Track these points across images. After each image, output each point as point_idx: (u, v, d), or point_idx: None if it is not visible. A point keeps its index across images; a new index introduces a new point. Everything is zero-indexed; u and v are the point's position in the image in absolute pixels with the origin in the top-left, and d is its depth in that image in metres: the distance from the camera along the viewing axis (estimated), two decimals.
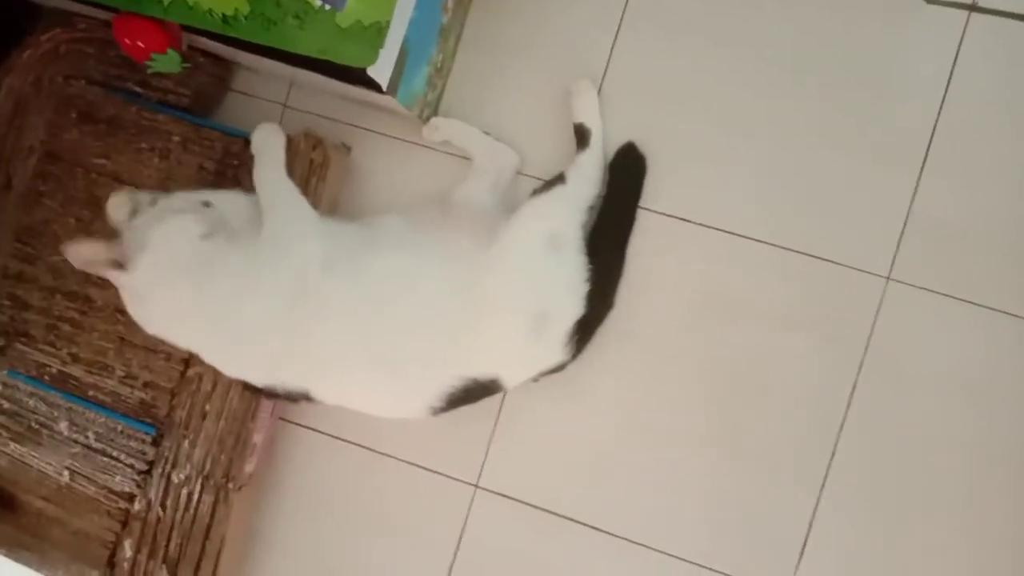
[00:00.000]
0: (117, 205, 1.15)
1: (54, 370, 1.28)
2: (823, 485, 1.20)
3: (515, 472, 1.28)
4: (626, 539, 1.24)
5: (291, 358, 1.13)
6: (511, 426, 1.28)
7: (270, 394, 1.16)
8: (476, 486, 1.29)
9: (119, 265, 1.12)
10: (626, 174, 1.26)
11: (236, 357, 1.15)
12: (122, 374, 1.27)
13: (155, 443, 1.26)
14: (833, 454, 1.20)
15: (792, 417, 1.21)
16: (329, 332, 1.12)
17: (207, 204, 1.16)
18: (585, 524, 1.25)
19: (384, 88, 1.10)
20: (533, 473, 1.28)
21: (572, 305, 1.17)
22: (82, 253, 1.13)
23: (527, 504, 1.27)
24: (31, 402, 1.28)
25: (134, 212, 1.15)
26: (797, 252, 1.22)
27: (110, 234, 1.16)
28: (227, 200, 1.19)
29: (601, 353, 1.23)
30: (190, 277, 1.10)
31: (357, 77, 1.11)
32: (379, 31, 1.06)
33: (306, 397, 1.15)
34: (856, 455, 1.19)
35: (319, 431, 1.32)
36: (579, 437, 1.27)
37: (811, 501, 1.20)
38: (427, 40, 1.19)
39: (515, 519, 1.27)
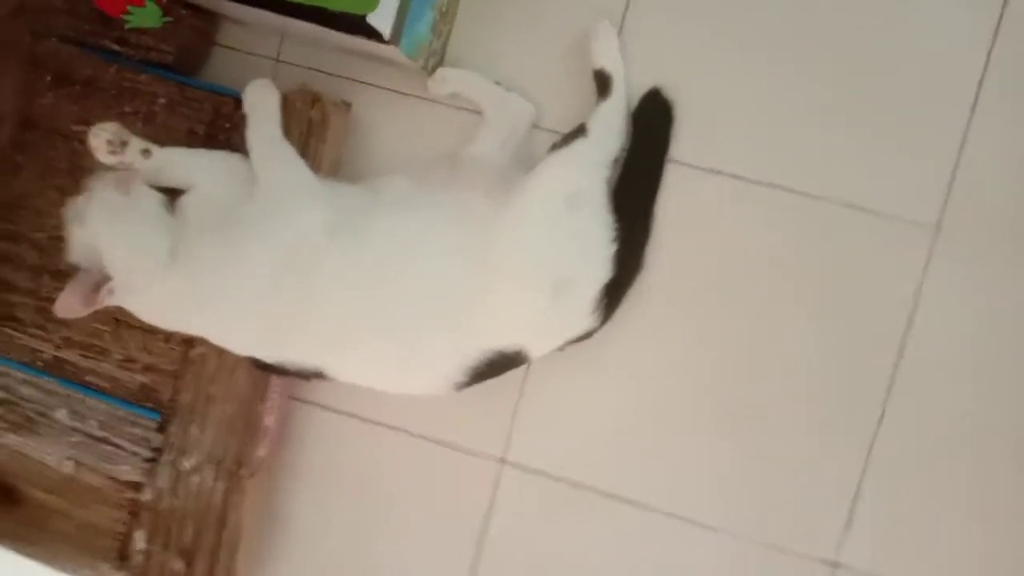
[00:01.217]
0: (98, 136, 1.08)
1: (47, 356, 1.21)
2: (870, 451, 1.13)
3: (543, 445, 1.21)
4: (663, 511, 1.18)
5: (298, 333, 1.05)
6: (537, 396, 1.21)
7: (282, 371, 1.09)
8: (503, 460, 1.22)
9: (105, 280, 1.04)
10: (652, 123, 1.16)
11: (240, 334, 1.07)
12: (120, 357, 1.19)
13: (160, 429, 1.18)
14: (881, 419, 1.13)
15: (836, 379, 1.14)
16: (337, 304, 1.04)
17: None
18: (620, 497, 1.19)
19: (386, 37, 1.00)
20: (562, 445, 1.21)
21: (598, 268, 1.09)
22: (73, 302, 1.04)
23: (556, 478, 1.21)
24: (25, 390, 1.20)
25: (120, 147, 1.08)
26: (839, 204, 1.13)
27: None
28: (209, 158, 1.12)
29: (630, 316, 1.15)
30: (167, 263, 1.03)
31: (356, 26, 1.00)
32: None
33: (319, 375, 1.08)
34: (905, 418, 1.12)
35: (334, 410, 1.25)
36: (609, 405, 1.19)
37: (857, 468, 1.13)
38: None
39: (544, 493, 1.21)
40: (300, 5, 0.98)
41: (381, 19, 0.98)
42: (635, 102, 1.16)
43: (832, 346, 1.14)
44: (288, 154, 1.08)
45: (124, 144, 1.09)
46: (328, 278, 1.03)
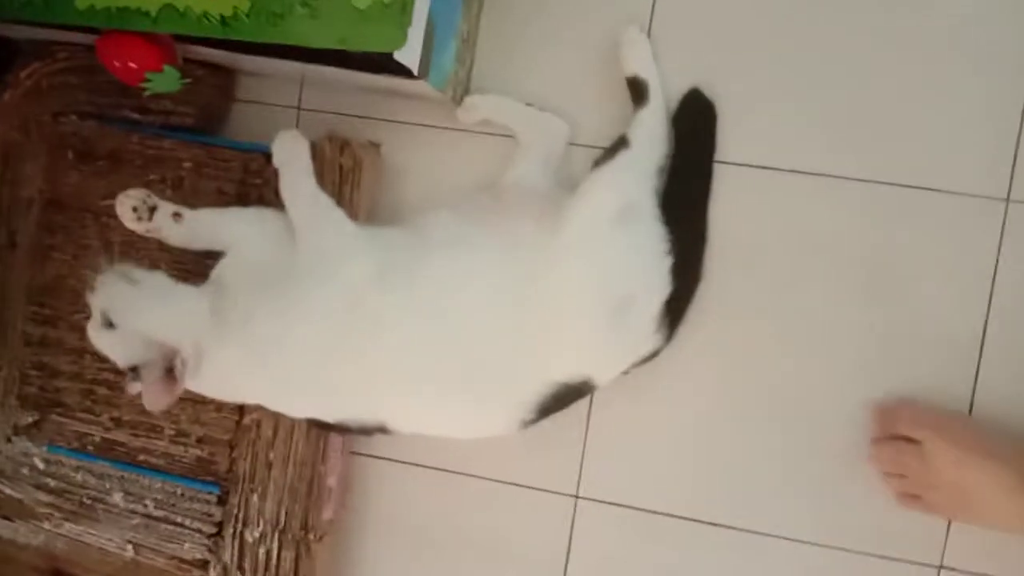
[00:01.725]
0: (127, 201, 1.06)
1: (97, 438, 1.17)
2: None
3: (615, 475, 1.15)
4: (746, 530, 1.11)
5: (356, 387, 1.00)
6: (604, 426, 1.15)
7: (343, 430, 1.04)
8: (576, 496, 1.16)
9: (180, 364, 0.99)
10: (695, 125, 1.11)
11: (297, 396, 1.02)
12: (172, 432, 1.15)
13: (221, 502, 1.14)
14: (971, 403, 1.06)
15: (920, 374, 1.07)
16: (392, 353, 0.99)
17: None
18: (701, 521, 1.12)
19: (415, 72, 0.96)
20: (635, 473, 1.15)
21: (658, 284, 1.04)
22: (157, 393, 0.99)
23: (634, 508, 1.14)
24: (78, 476, 1.17)
25: (148, 213, 1.06)
26: (903, 186, 1.07)
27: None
28: (244, 218, 1.08)
29: (690, 331, 1.10)
30: (224, 336, 0.99)
31: (382, 64, 0.96)
32: (403, 7, 0.91)
33: (382, 429, 1.03)
34: (1000, 406, 1.05)
35: (396, 460, 1.20)
36: (678, 427, 1.13)
37: None
38: (452, 8, 1.04)
39: (623, 525, 1.15)
40: (323, 51, 0.94)
41: (408, 55, 0.94)
42: (672, 106, 1.11)
43: (909, 341, 1.07)
44: (327, 206, 1.04)
45: (152, 209, 1.06)
46: (382, 328, 0.98)
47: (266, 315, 0.98)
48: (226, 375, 1.02)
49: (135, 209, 1.05)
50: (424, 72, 0.98)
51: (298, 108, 1.23)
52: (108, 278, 1.01)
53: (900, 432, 1.02)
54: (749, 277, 1.11)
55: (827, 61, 1.09)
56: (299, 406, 1.03)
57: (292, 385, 1.01)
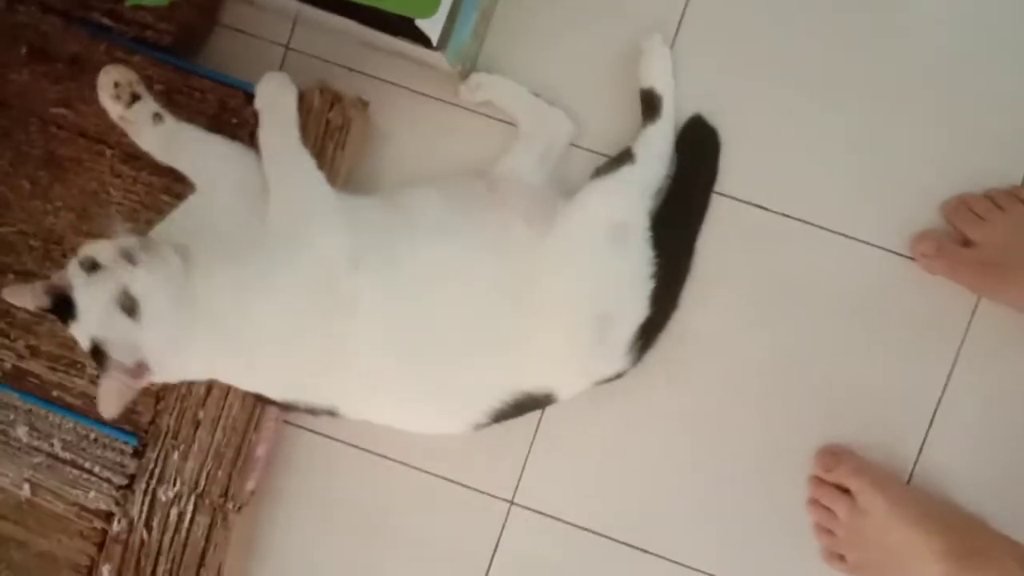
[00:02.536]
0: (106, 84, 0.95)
1: (8, 365, 1.06)
2: None
3: (554, 487, 1.13)
4: (674, 561, 1.11)
5: (316, 371, 0.94)
6: (552, 437, 1.12)
7: (287, 407, 0.98)
8: (511, 502, 1.13)
9: (141, 368, 0.89)
10: (697, 152, 1.08)
11: (246, 371, 0.95)
12: (94, 373, 1.05)
13: (137, 454, 1.06)
14: (915, 464, 1.08)
15: (868, 438, 1.08)
16: (360, 340, 0.93)
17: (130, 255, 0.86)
18: (631, 545, 1.11)
19: (434, 43, 0.88)
20: (574, 489, 1.12)
21: (637, 306, 1.01)
22: (113, 399, 0.87)
23: (568, 523, 1.12)
24: None
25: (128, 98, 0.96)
26: (887, 250, 1.07)
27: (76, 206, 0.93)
28: (224, 154, 0.98)
29: (653, 356, 1.07)
30: (190, 318, 0.89)
31: (398, 27, 0.89)
32: None
33: (331, 412, 0.97)
34: (942, 475, 1.08)
35: (329, 436, 1.14)
36: (627, 449, 1.11)
37: None
38: None
39: (554, 537, 1.12)
40: (349, 5, 0.85)
41: (431, 23, 0.87)
42: (678, 126, 1.07)
43: (870, 395, 1.08)
44: (306, 165, 0.96)
45: (135, 97, 0.96)
46: (351, 311, 0.92)
47: (228, 285, 0.90)
48: (193, 352, 0.92)
49: (116, 85, 0.95)
50: (443, 44, 0.91)
51: (286, 47, 1.13)
52: (153, 260, 0.86)
53: (839, 479, 1.03)
54: (721, 312, 1.10)
55: (852, 111, 1.08)
56: (246, 380, 0.96)
57: (242, 359, 0.93)
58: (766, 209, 1.09)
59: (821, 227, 1.08)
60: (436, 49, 0.89)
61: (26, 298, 0.88)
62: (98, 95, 0.96)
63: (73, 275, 0.86)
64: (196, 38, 1.09)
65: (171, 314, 0.87)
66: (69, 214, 1.04)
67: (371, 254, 0.93)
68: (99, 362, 0.87)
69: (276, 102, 0.98)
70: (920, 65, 1.07)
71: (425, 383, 0.95)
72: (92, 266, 0.85)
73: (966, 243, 1.04)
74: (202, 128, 0.99)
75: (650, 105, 1.06)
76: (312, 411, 0.97)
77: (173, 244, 0.88)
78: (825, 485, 1.04)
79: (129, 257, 0.84)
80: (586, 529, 1.12)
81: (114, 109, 0.97)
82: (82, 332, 0.87)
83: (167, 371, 0.91)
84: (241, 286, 0.90)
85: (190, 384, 1.05)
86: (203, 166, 0.96)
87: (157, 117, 0.96)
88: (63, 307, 0.86)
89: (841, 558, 1.04)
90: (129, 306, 0.85)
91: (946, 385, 1.08)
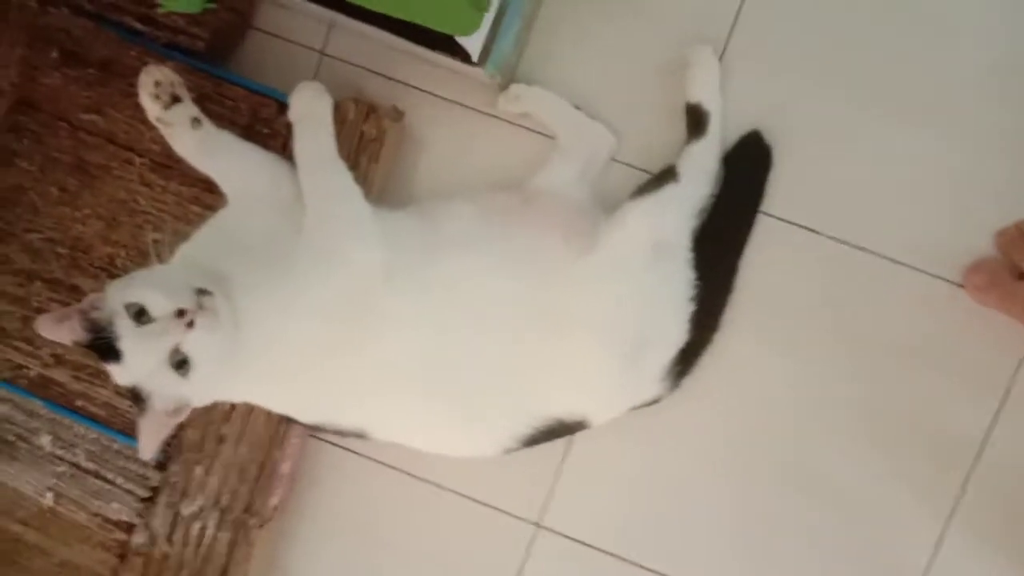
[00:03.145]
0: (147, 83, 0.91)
1: (33, 373, 1.05)
2: (936, 550, 1.04)
3: (582, 512, 1.10)
4: None
5: (344, 392, 0.91)
6: (582, 461, 1.09)
7: (315, 429, 0.95)
8: (538, 525, 1.10)
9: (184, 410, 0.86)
10: (748, 172, 1.03)
11: (283, 395, 0.92)
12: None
13: (160, 467, 1.04)
14: (952, 513, 1.04)
15: (909, 470, 1.04)
16: (390, 360, 0.90)
17: (203, 292, 0.82)
18: (659, 572, 1.08)
19: (474, 59, 0.85)
20: (602, 514, 1.10)
21: (676, 331, 0.98)
22: (151, 439, 0.85)
23: (593, 547, 1.09)
24: (5, 409, 1.05)
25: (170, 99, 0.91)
26: (945, 280, 1.03)
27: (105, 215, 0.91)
28: (261, 164, 0.95)
29: (690, 381, 1.03)
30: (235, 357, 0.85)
31: (437, 41, 0.85)
32: None
33: (359, 435, 0.95)
34: (975, 513, 1.03)
35: (356, 452, 1.12)
36: (657, 476, 1.08)
37: (921, 565, 1.04)
38: None
39: (580, 563, 1.10)
40: (387, 17, 0.82)
41: (472, 39, 0.83)
42: (728, 142, 1.03)
43: (907, 431, 1.04)
44: (343, 179, 0.93)
45: (175, 100, 0.92)
46: (383, 331, 0.89)
47: (266, 308, 0.86)
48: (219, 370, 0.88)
49: (157, 84, 0.92)
50: (484, 59, 0.87)
51: (321, 53, 1.10)
52: (210, 322, 0.81)
53: None
54: (762, 337, 1.06)
55: (904, 137, 1.03)
56: (279, 402, 0.94)
57: (279, 382, 0.90)
58: (813, 231, 1.05)
59: (871, 251, 1.04)
60: (476, 65, 0.86)
61: (62, 332, 0.84)
62: (138, 93, 0.93)
63: (117, 316, 0.81)
64: (229, 43, 1.07)
65: (220, 363, 0.84)
66: (98, 222, 1.02)
67: (405, 271, 0.90)
68: (138, 404, 0.84)
69: (311, 113, 0.95)
70: (981, 90, 1.02)
71: (456, 407, 0.92)
72: (140, 313, 0.81)
73: (1022, 276, 0.99)
74: (239, 137, 0.96)
75: (696, 121, 1.01)
76: (340, 433, 0.94)
77: (210, 272, 0.85)
78: None
79: (185, 318, 0.80)
80: (613, 555, 1.09)
81: (152, 109, 0.93)
82: (125, 377, 0.83)
83: (206, 401, 0.88)
84: (279, 308, 0.86)
85: None
86: (238, 175, 0.94)
87: (196, 121, 0.93)
88: (102, 346, 0.82)
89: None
90: (180, 363, 0.81)
91: (993, 422, 1.03)
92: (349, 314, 0.88)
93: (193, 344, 0.80)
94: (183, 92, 0.93)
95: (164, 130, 0.95)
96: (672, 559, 1.08)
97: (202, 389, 0.84)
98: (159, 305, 0.80)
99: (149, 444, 0.84)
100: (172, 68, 0.95)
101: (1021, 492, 1.03)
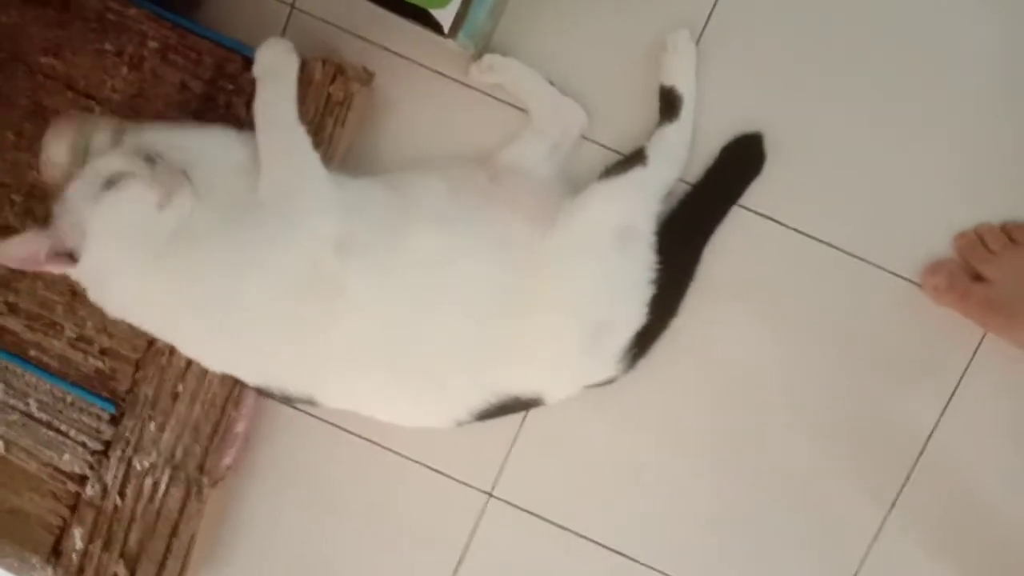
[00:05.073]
0: (57, 145, 0.87)
1: None
2: (875, 539, 1.07)
3: (534, 483, 1.12)
4: (648, 566, 1.11)
5: (295, 359, 0.91)
6: (536, 433, 1.10)
7: (261, 392, 0.95)
8: (490, 494, 1.12)
9: (70, 256, 0.85)
10: (734, 169, 1.03)
11: (223, 354, 0.92)
12: (73, 336, 1.02)
13: (114, 421, 1.04)
14: (892, 506, 1.07)
15: (854, 463, 1.07)
16: (345, 331, 0.90)
17: (152, 160, 0.85)
18: (607, 547, 1.11)
19: (445, 31, 0.83)
20: (554, 487, 1.11)
21: (635, 313, 0.98)
22: (16, 252, 0.85)
23: (544, 519, 1.12)
24: None
25: (83, 154, 0.87)
26: (903, 278, 1.04)
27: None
28: (200, 142, 0.91)
29: (646, 362, 1.04)
30: (153, 259, 0.85)
31: (407, 9, 0.83)
32: None
33: (309, 401, 0.95)
34: (918, 506, 1.07)
35: (310, 414, 1.12)
36: (610, 452, 1.10)
37: (859, 553, 1.08)
38: None
39: (529, 533, 1.12)
40: None
41: (444, 10, 0.81)
42: (708, 130, 1.02)
43: (865, 420, 1.06)
44: (301, 143, 0.91)
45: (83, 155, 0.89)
46: (340, 299, 0.88)
47: (207, 257, 0.86)
48: (150, 301, 0.90)
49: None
50: (455, 31, 0.85)
51: (292, 6, 1.07)
52: (169, 176, 0.85)
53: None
54: (722, 323, 1.07)
55: (873, 136, 1.03)
56: (220, 362, 0.93)
57: (220, 340, 0.90)
58: (778, 223, 1.05)
59: (833, 246, 1.04)
60: (447, 36, 0.84)
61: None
62: (47, 166, 0.90)
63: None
64: None
65: (139, 229, 0.85)
66: None
67: (362, 240, 0.89)
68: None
69: (276, 71, 0.93)
70: (951, 93, 1.02)
71: (409, 378, 0.92)
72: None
73: (977, 278, 1.00)
74: (175, 102, 0.94)
75: (669, 104, 1.01)
76: (287, 399, 0.95)
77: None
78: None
79: (150, 160, 0.83)
80: (563, 527, 1.11)
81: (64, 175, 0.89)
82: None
83: (99, 288, 0.89)
84: (224, 260, 0.86)
85: (170, 356, 1.02)
86: (184, 154, 0.89)
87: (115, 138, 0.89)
88: None
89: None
90: (108, 184, 0.83)
91: (939, 418, 1.06)
92: (297, 277, 0.87)
93: (137, 182, 0.83)
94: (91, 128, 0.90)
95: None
96: (618, 534, 1.11)
97: (104, 253, 0.85)
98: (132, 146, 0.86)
99: (13, 249, 0.85)
100: (133, 16, 0.92)
101: (961, 487, 1.06)
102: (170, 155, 0.86)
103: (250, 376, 0.92)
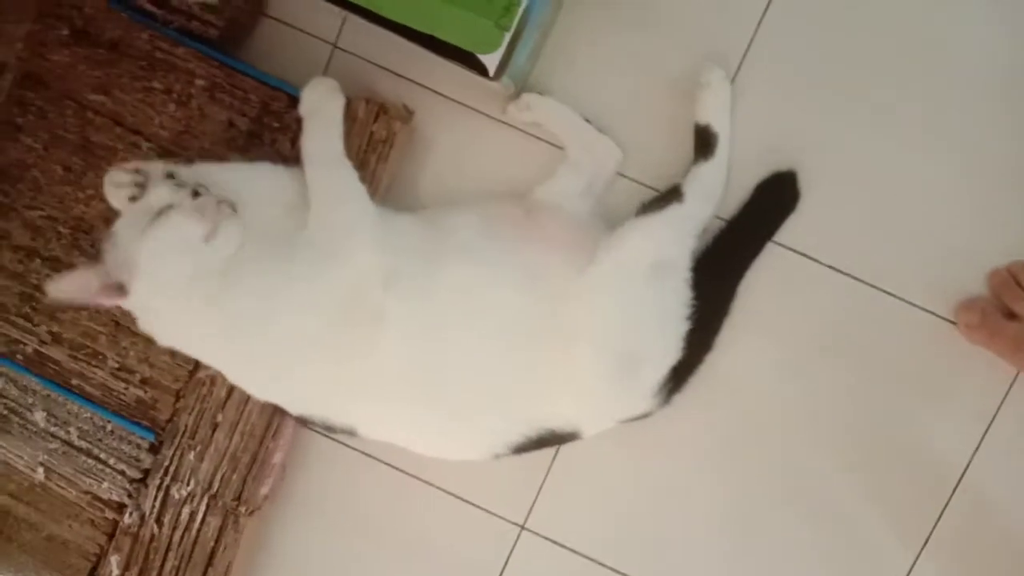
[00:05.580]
0: (116, 187, 0.89)
1: (29, 349, 1.05)
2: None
3: (567, 517, 1.12)
4: None
5: (336, 388, 0.92)
6: (569, 466, 1.11)
7: (303, 421, 0.97)
8: (523, 527, 1.12)
9: (120, 290, 0.87)
10: (769, 207, 1.04)
11: (268, 383, 0.93)
12: (115, 365, 1.04)
13: (153, 450, 1.05)
14: (925, 543, 1.06)
15: (887, 502, 1.07)
16: (387, 363, 0.91)
17: (198, 192, 0.87)
18: None
19: (491, 74, 0.85)
20: (586, 520, 1.12)
21: (670, 348, 0.99)
22: (68, 287, 0.87)
23: (576, 552, 1.12)
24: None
25: (139, 193, 0.89)
26: (937, 316, 1.04)
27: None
28: (248, 178, 0.94)
29: (681, 397, 1.05)
30: (204, 291, 0.87)
31: (454, 53, 0.85)
32: (508, 6, 0.79)
33: (349, 432, 0.96)
34: (952, 545, 1.06)
35: (347, 445, 1.13)
36: (642, 486, 1.10)
37: None
38: (543, 1, 0.93)
39: (561, 565, 1.12)
40: (407, 27, 0.81)
41: (491, 56, 0.83)
42: (743, 162, 1.03)
43: (896, 457, 1.06)
44: (349, 179, 0.93)
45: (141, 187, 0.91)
46: (380, 332, 0.90)
47: (261, 284, 0.88)
48: (197, 329, 0.91)
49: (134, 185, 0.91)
50: (500, 74, 0.87)
51: (334, 45, 1.10)
52: (220, 210, 0.88)
53: None
54: (755, 358, 1.07)
55: (908, 173, 1.03)
56: (265, 391, 0.95)
57: (266, 370, 0.92)
58: (813, 259, 1.06)
59: (867, 283, 1.05)
60: (492, 79, 0.86)
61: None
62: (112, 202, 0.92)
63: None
64: (242, 31, 1.06)
65: (187, 259, 0.87)
66: (101, 204, 1.01)
67: (404, 275, 0.91)
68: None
69: (321, 109, 0.95)
70: (990, 133, 1.03)
71: (447, 412, 0.94)
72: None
73: (1011, 316, 1.00)
74: (221, 139, 0.97)
75: (704, 142, 1.02)
76: (329, 429, 0.96)
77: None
78: None
79: (196, 193, 0.86)
80: (594, 560, 1.12)
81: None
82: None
83: (149, 317, 0.91)
84: (270, 292, 0.88)
85: (211, 386, 1.04)
86: (234, 191, 0.92)
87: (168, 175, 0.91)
88: None
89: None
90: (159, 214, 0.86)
91: (972, 458, 1.06)
92: (344, 313, 0.89)
93: (180, 217, 0.85)
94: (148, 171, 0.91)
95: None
96: (650, 567, 1.11)
97: (153, 285, 0.87)
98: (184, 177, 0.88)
99: (63, 287, 0.87)
100: (180, 56, 0.94)
101: (993, 527, 1.06)
102: (218, 190, 0.88)
103: (293, 405, 0.94)
